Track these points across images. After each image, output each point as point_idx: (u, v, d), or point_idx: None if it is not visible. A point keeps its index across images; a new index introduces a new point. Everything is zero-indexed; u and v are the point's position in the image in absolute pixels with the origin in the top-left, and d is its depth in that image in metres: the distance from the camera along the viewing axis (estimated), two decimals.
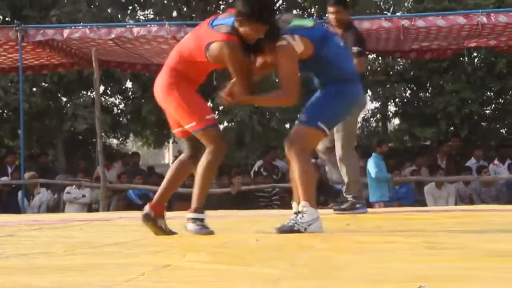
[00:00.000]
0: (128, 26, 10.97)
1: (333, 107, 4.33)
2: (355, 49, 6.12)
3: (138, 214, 7.40)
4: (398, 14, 13.87)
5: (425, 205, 10.18)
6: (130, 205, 11.28)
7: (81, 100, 15.17)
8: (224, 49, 4.05)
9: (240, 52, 4.09)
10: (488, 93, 15.32)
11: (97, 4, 15.31)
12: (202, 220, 4.19)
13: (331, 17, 6.41)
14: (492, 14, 9.90)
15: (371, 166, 9.67)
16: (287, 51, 4.19)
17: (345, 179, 6.35)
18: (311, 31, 4.25)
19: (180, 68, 4.29)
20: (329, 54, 4.27)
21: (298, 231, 4.09)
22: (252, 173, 12.41)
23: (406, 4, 15.34)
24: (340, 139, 6.26)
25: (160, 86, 4.36)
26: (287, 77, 4.24)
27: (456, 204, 10.73)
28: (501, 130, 15.90)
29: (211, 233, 4.14)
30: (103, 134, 12.53)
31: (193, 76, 4.35)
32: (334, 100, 4.32)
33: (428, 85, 15.38)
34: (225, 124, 15.73)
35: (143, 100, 15.16)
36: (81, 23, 12.81)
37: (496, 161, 12.00)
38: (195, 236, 4.22)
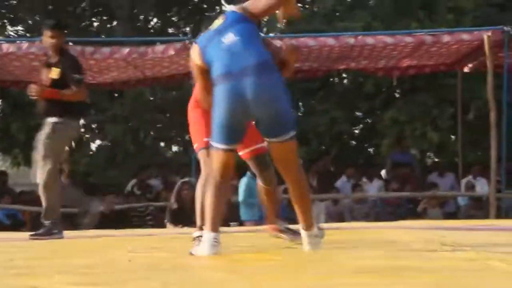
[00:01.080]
0: None
1: None
2: (75, 77, 6.21)
3: (5, 235, 7.18)
4: (271, 34, 14.10)
5: (296, 222, 10.31)
6: None
7: None
8: None
9: None
10: (357, 113, 15.77)
11: None
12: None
13: (48, 41, 6.42)
14: (360, 37, 10.23)
15: (242, 187, 9.77)
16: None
17: (44, 204, 6.30)
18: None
19: None
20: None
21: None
22: (126, 191, 12.27)
23: (278, 25, 15.61)
24: (46, 164, 6.24)
25: None
26: None
27: (325, 222, 10.95)
28: (369, 150, 16.38)
29: None
30: None
31: None
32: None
33: (299, 105, 15.68)
34: (98, 142, 15.50)
35: (11, 118, 14.72)
36: None
37: (364, 179, 12.37)
38: (65, 256, 4.14)
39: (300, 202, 4.08)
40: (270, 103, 3.92)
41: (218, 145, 4.04)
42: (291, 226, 4.88)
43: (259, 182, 4.77)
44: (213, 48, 4.06)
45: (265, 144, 4.44)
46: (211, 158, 4.12)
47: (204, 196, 4.27)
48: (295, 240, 4.60)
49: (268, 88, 3.95)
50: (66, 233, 6.52)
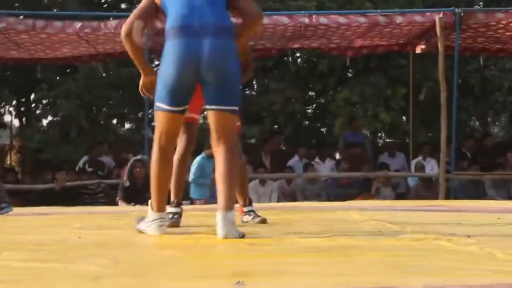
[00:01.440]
0: None
1: None
2: None
3: None
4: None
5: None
6: None
7: None
8: None
9: None
10: (310, 92, 15.84)
11: None
12: None
13: None
14: (314, 16, 10.26)
15: (194, 166, 9.74)
16: None
17: None
18: None
19: None
20: None
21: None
22: (77, 169, 12.16)
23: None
24: None
25: None
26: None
27: (278, 201, 11.02)
28: (322, 129, 16.48)
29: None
30: None
31: None
32: None
33: (253, 83, 15.69)
34: (50, 118, 15.32)
35: None
36: None
37: (317, 159, 12.45)
38: (14, 233, 4.10)
39: (225, 179, 3.67)
40: (222, 69, 3.70)
41: (164, 106, 3.75)
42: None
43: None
44: None
45: None
46: (157, 120, 3.82)
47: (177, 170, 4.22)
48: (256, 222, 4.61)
49: (224, 53, 3.72)
50: (15, 209, 6.45)
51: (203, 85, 3.75)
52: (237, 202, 4.44)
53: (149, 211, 3.85)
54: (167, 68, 3.71)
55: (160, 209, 3.81)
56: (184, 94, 3.75)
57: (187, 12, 3.72)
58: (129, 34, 3.83)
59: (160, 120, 3.79)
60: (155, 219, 3.81)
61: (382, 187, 11.33)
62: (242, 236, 3.58)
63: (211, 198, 10.23)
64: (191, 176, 9.68)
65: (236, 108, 3.79)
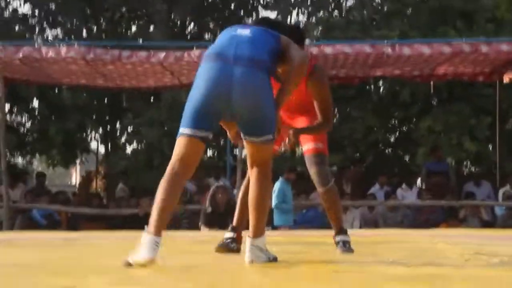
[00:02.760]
0: (36, 46, 10.77)
1: None
2: None
3: (41, 235, 7.27)
4: (307, 41, 14.09)
5: (331, 228, 10.31)
6: (34, 225, 11.05)
7: None
8: None
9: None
10: (393, 121, 15.70)
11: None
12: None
13: None
14: (397, 46, 10.19)
15: (275, 192, 9.74)
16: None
17: None
18: None
19: None
20: None
21: None
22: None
23: (315, 33, 15.60)
24: None
25: None
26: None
27: (360, 228, 10.94)
28: (404, 158, 16.28)
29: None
30: (7, 153, 12.21)
31: None
32: None
33: (335, 112, 15.66)
34: (135, 145, 15.61)
35: (49, 120, 14.90)
36: None
37: (404, 186, 12.33)
38: (99, 257, 4.19)
39: (256, 205, 3.70)
40: (255, 99, 3.62)
41: (185, 131, 3.63)
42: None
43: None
44: (224, 33, 3.85)
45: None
46: (176, 146, 3.68)
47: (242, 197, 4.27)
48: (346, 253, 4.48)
49: (256, 84, 3.64)
50: (98, 234, 6.57)
51: (237, 116, 3.67)
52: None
53: (143, 235, 3.51)
54: (197, 88, 3.64)
55: (156, 232, 3.49)
56: (210, 118, 3.63)
57: (226, 44, 3.72)
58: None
59: (178, 146, 3.67)
60: (147, 242, 3.46)
61: (470, 216, 11.10)
62: (273, 259, 3.68)
63: (294, 225, 10.22)
64: (274, 202, 9.67)
65: (271, 136, 3.73)
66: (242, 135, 3.77)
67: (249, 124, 3.68)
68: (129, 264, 3.47)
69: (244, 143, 3.79)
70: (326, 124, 4.51)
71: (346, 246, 4.52)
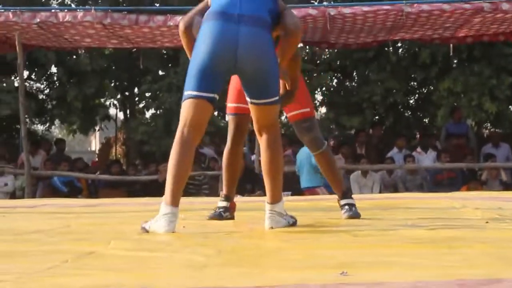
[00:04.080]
0: (53, 11, 10.77)
1: None
2: None
3: (63, 201, 7.33)
4: (324, 3, 13.98)
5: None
6: (55, 193, 11.14)
7: (4, 85, 14.84)
8: None
9: None
10: (412, 83, 15.60)
11: None
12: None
13: None
14: (416, 4, 10.04)
15: (304, 154, 9.68)
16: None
17: None
18: None
19: None
20: None
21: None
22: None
23: None
24: None
25: None
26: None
27: (380, 192, 10.93)
28: (424, 120, 16.21)
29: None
30: (27, 120, 12.28)
31: None
32: None
33: (354, 74, 15.58)
34: (153, 111, 15.63)
35: (68, 86, 14.94)
36: (3, 6, 12.54)
37: (418, 149, 12.28)
38: (119, 223, 4.22)
39: (269, 170, 3.67)
40: (261, 60, 3.57)
41: (192, 92, 3.55)
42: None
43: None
44: None
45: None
46: (183, 110, 3.61)
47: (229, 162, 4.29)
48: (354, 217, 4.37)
49: (263, 44, 3.58)
50: (118, 200, 6.61)
51: (241, 77, 3.66)
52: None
53: (162, 204, 3.53)
54: (201, 48, 3.56)
55: (174, 202, 3.48)
56: (216, 78, 3.58)
57: (228, 3, 3.63)
58: (188, 28, 3.77)
59: (186, 109, 3.58)
60: (166, 213, 3.48)
61: (490, 178, 11.06)
62: (293, 223, 3.67)
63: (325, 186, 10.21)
64: (314, 164, 9.66)
65: (277, 98, 3.70)
66: (248, 98, 3.71)
67: (255, 86, 3.64)
68: (145, 231, 3.51)
69: (250, 107, 3.73)
70: (290, 91, 4.19)
71: (352, 210, 4.39)
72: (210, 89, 3.57)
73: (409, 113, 16.03)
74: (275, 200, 3.67)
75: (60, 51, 13.16)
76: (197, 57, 3.57)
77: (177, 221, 3.51)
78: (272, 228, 3.62)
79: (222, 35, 3.54)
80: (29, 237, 3.46)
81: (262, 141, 3.74)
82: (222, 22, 3.56)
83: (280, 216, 3.67)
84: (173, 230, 3.45)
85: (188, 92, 3.58)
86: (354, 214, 4.36)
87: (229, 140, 4.37)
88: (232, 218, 4.36)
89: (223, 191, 4.41)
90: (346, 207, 4.42)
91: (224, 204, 4.38)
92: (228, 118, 4.43)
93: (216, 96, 3.63)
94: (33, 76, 15.94)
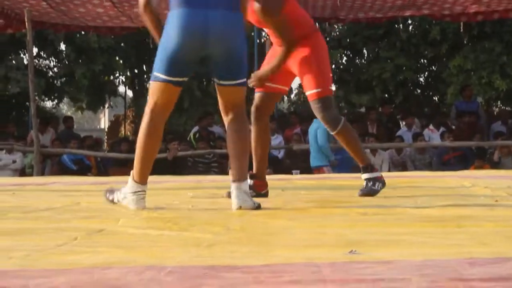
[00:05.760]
0: None
1: None
2: None
3: (72, 179, 7.36)
4: None
5: (359, 171, 10.30)
6: (64, 170, 11.16)
7: (13, 62, 14.85)
8: None
9: None
10: (422, 60, 15.54)
11: None
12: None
13: None
14: None
15: (321, 133, 9.66)
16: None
17: None
18: None
19: None
20: None
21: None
22: (188, 139, 12.37)
23: None
24: None
25: None
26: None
27: (389, 170, 10.91)
28: (434, 98, 16.16)
29: None
30: (36, 97, 12.29)
31: None
32: None
33: (364, 51, 15.53)
34: None
35: (76, 63, 14.94)
36: None
37: (431, 127, 12.25)
38: None
39: (237, 150, 3.68)
40: (231, 42, 3.56)
41: (163, 76, 3.57)
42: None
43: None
44: None
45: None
46: (152, 91, 3.64)
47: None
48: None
49: (231, 26, 3.56)
50: (128, 178, 6.60)
51: (210, 60, 3.61)
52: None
53: (129, 181, 3.68)
54: (171, 37, 3.52)
55: (143, 181, 3.64)
56: (187, 65, 3.59)
57: None
58: (147, 5, 3.70)
59: (155, 91, 3.62)
60: (136, 191, 3.65)
61: (503, 157, 11.01)
62: (258, 206, 3.59)
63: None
64: (324, 143, 9.63)
65: (245, 79, 3.72)
66: (216, 79, 3.71)
67: (224, 67, 3.63)
68: (111, 202, 3.78)
69: (217, 88, 3.73)
70: (284, 51, 4.22)
71: (367, 186, 4.39)
72: (179, 75, 3.60)
73: (419, 91, 15.98)
74: (242, 178, 3.64)
75: (69, 31, 13.14)
76: (167, 43, 3.55)
77: (145, 198, 3.67)
78: (240, 208, 3.56)
79: (190, 23, 3.51)
80: (39, 215, 3.47)
81: (229, 121, 3.75)
82: (189, 10, 3.52)
83: (247, 195, 3.62)
84: (143, 207, 3.62)
85: (157, 74, 3.60)
86: (368, 191, 4.37)
87: (263, 118, 4.52)
88: (265, 195, 4.40)
89: (255, 170, 4.44)
90: (364, 183, 4.44)
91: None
92: (255, 95, 4.54)
93: (186, 79, 3.67)
94: (42, 53, 15.94)
